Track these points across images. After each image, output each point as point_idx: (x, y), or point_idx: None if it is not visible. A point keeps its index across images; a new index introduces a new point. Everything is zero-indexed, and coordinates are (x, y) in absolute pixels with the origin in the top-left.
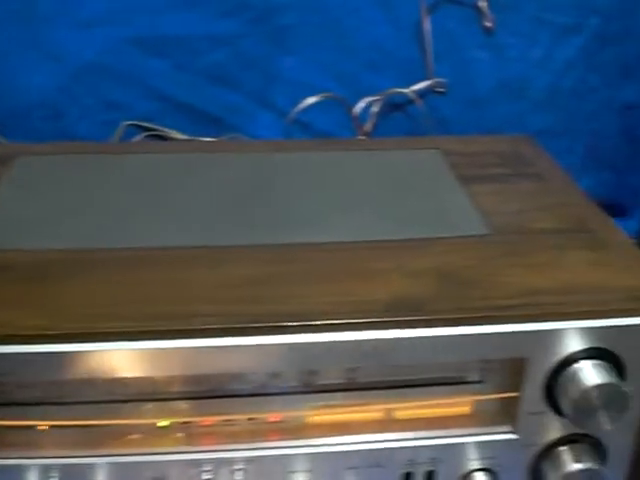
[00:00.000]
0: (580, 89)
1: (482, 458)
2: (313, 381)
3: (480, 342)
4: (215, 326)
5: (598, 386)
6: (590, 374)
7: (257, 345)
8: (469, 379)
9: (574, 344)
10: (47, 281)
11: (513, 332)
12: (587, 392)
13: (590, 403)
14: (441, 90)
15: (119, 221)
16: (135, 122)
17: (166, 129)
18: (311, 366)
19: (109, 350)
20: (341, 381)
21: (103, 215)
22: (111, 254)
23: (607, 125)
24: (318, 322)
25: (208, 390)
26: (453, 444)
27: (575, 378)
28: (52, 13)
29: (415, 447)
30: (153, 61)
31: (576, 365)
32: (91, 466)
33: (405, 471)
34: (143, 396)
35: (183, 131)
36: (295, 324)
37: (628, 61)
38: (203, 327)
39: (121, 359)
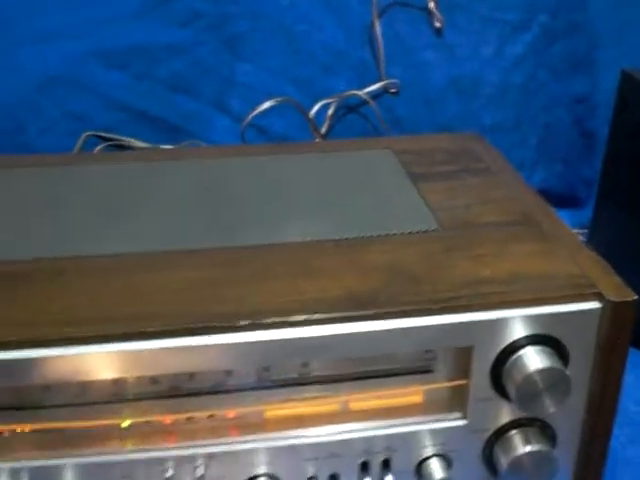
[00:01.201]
0: (530, 85)
1: (435, 445)
2: (269, 377)
3: (428, 333)
4: (168, 328)
5: (541, 370)
6: (533, 359)
7: (210, 345)
8: (419, 369)
9: (518, 331)
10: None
11: (459, 322)
12: (530, 376)
13: (534, 387)
14: (394, 91)
15: (71, 227)
16: (96, 133)
17: (126, 138)
18: (265, 363)
19: (67, 355)
20: (296, 376)
21: (56, 223)
22: (60, 263)
23: (558, 119)
24: (270, 320)
25: (167, 389)
26: (406, 432)
27: (519, 364)
28: (12, 27)
29: (370, 437)
30: (112, 72)
31: (520, 351)
32: (59, 468)
33: (362, 460)
34: (105, 398)
35: (143, 140)
36: (248, 323)
37: (576, 55)
38: (157, 329)
39: (79, 363)
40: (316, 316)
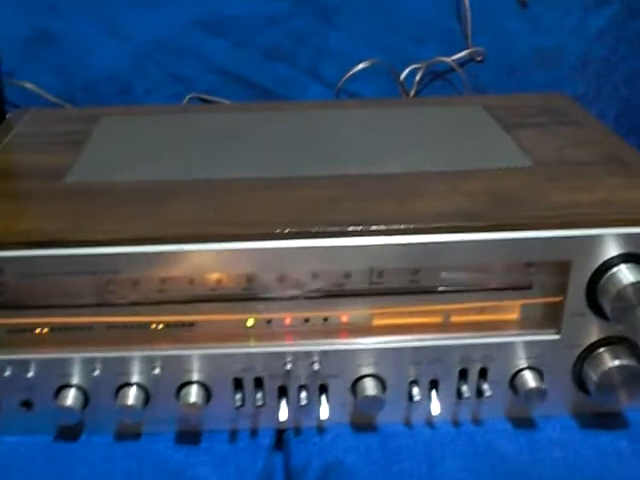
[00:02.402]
0: (611, 58)
1: (529, 357)
2: (380, 283)
3: (529, 246)
4: (296, 229)
5: (634, 284)
6: (627, 274)
7: (330, 247)
8: (519, 285)
9: (613, 249)
10: (142, 202)
11: (559, 236)
12: (625, 289)
13: (628, 300)
14: (480, 59)
15: (202, 159)
16: (199, 95)
17: (227, 101)
18: (378, 267)
19: (204, 251)
20: (404, 285)
21: (187, 155)
22: (200, 183)
23: (636, 93)
24: (382, 227)
25: (289, 291)
26: (502, 343)
27: (614, 279)
28: None
29: (469, 345)
30: (213, 39)
31: (615, 269)
32: (189, 357)
33: (461, 368)
34: (234, 296)
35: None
36: (362, 229)
37: None
38: (285, 231)
39: (214, 259)
40: (425, 225)
